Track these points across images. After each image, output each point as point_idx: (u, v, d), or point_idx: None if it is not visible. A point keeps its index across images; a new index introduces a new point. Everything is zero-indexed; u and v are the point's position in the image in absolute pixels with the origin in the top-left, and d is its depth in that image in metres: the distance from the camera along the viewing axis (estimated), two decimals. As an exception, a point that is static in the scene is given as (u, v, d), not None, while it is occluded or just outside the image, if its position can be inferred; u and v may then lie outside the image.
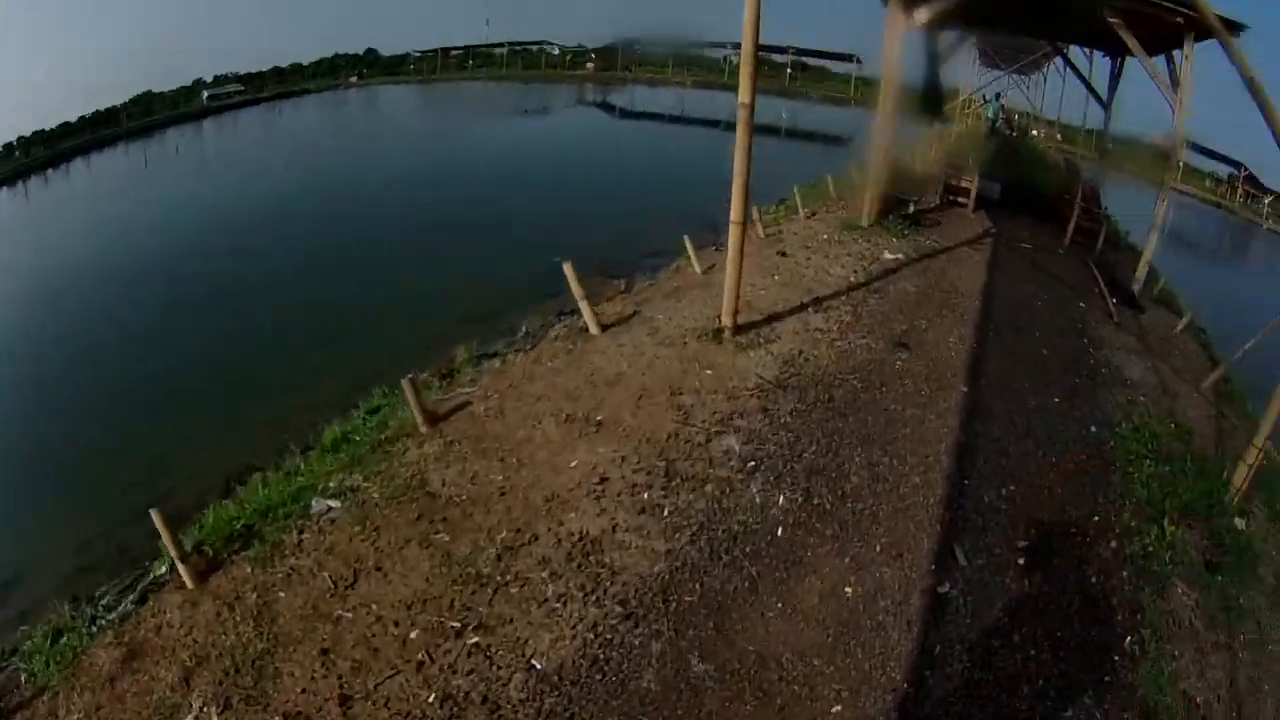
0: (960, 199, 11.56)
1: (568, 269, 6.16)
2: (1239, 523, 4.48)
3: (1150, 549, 4.09)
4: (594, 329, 6.20)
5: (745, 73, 5.33)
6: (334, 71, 40.45)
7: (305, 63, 39.66)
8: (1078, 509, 4.39)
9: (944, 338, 6.58)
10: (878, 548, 3.85)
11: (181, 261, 11.17)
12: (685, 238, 8.30)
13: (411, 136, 23.57)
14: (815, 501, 4.14)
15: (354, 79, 40.28)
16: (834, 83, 41.78)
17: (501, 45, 42.84)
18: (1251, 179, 29.02)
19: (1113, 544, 4.11)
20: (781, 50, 47.64)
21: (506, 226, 12.32)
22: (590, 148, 19.92)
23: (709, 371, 5.44)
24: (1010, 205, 12.06)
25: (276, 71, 38.21)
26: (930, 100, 12.13)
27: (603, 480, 4.19)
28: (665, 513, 3.95)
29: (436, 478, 4.24)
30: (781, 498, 4.12)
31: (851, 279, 7.83)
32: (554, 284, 7.35)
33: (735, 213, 5.64)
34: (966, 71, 24.82)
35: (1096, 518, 4.33)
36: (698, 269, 8.01)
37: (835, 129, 26.50)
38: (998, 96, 24.27)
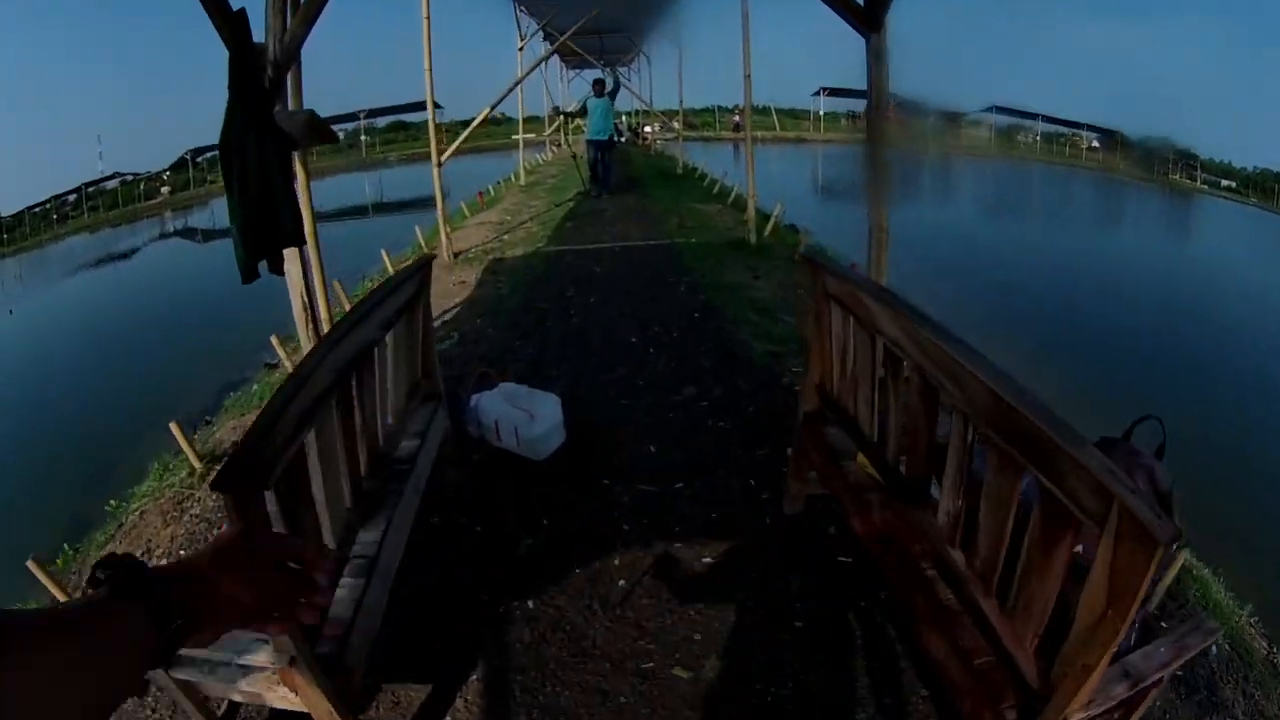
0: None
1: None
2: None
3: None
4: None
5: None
6: None
7: None
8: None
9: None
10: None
11: None
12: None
13: None
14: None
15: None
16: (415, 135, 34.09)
17: (113, 177, 28.40)
18: (905, 106, 26.33)
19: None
20: (354, 117, 39.32)
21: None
22: (178, 288, 12.70)
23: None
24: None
25: None
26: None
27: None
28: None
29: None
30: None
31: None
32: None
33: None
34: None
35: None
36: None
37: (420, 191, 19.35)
38: (603, 86, 10.56)
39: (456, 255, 7.40)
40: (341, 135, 41.04)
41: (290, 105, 4.00)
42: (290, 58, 3.44)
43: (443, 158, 6.87)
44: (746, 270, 6.59)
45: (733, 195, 11.54)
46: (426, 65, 6.32)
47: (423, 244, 8.11)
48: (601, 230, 8.58)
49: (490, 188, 13.56)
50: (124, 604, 0.45)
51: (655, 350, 4.32)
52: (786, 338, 4.57)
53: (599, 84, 10.62)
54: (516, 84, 7.54)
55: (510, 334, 4.75)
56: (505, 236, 8.52)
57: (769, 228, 8.24)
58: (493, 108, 7.60)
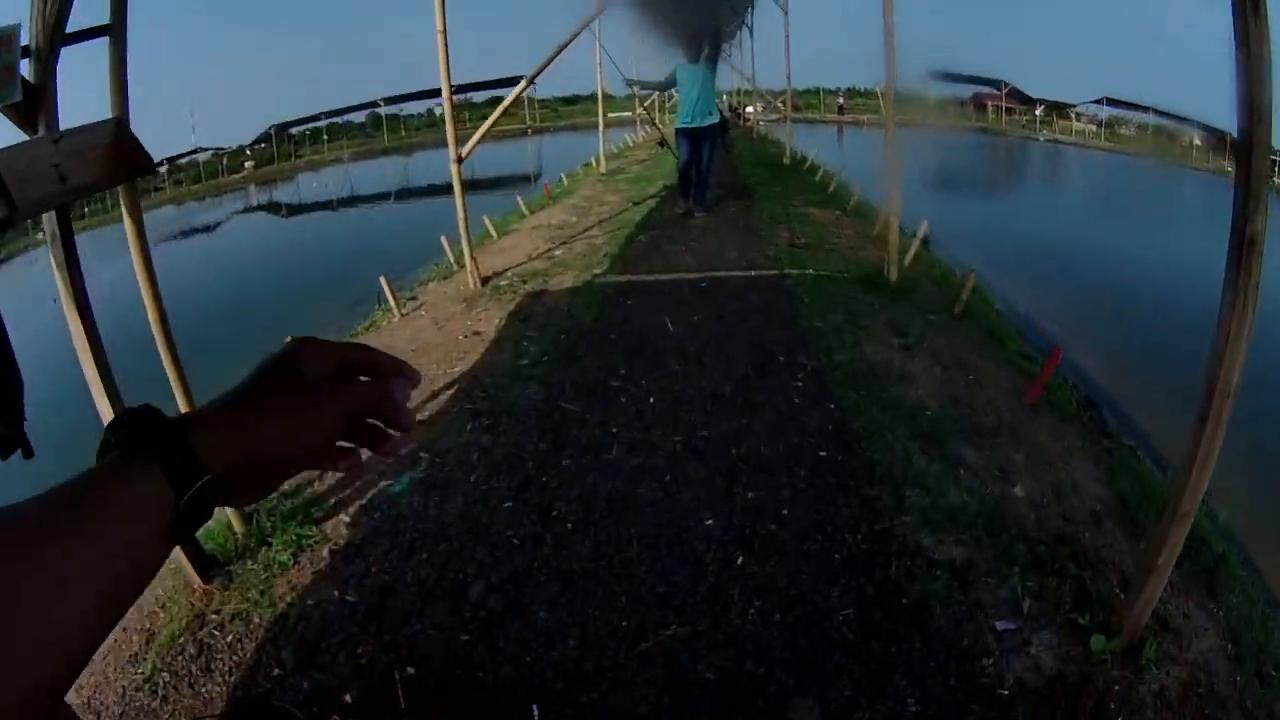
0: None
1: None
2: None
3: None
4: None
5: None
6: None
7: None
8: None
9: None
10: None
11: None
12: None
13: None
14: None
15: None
16: (510, 113, 32.71)
17: (195, 152, 30.65)
18: (1016, 94, 24.09)
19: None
20: (434, 94, 38.94)
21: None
22: (260, 262, 13.01)
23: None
24: None
25: None
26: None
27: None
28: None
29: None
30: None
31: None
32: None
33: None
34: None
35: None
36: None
37: (513, 168, 20.48)
38: (700, 45, 7.05)
39: (486, 281, 5.56)
40: (436, 111, 40.75)
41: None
42: (56, 41, 1.65)
43: (465, 150, 5.01)
44: (890, 331, 4.38)
45: (853, 200, 9.10)
46: (440, 25, 4.42)
47: (451, 260, 6.34)
48: (685, 248, 6.49)
49: (563, 176, 11.71)
50: (136, 468, 0.34)
51: (746, 560, 2.24)
52: (977, 521, 2.38)
53: (694, 41, 7.15)
54: (555, 55, 5.47)
55: (502, 481, 2.79)
56: (559, 251, 6.61)
57: (909, 255, 5.90)
58: (530, 80, 5.62)
